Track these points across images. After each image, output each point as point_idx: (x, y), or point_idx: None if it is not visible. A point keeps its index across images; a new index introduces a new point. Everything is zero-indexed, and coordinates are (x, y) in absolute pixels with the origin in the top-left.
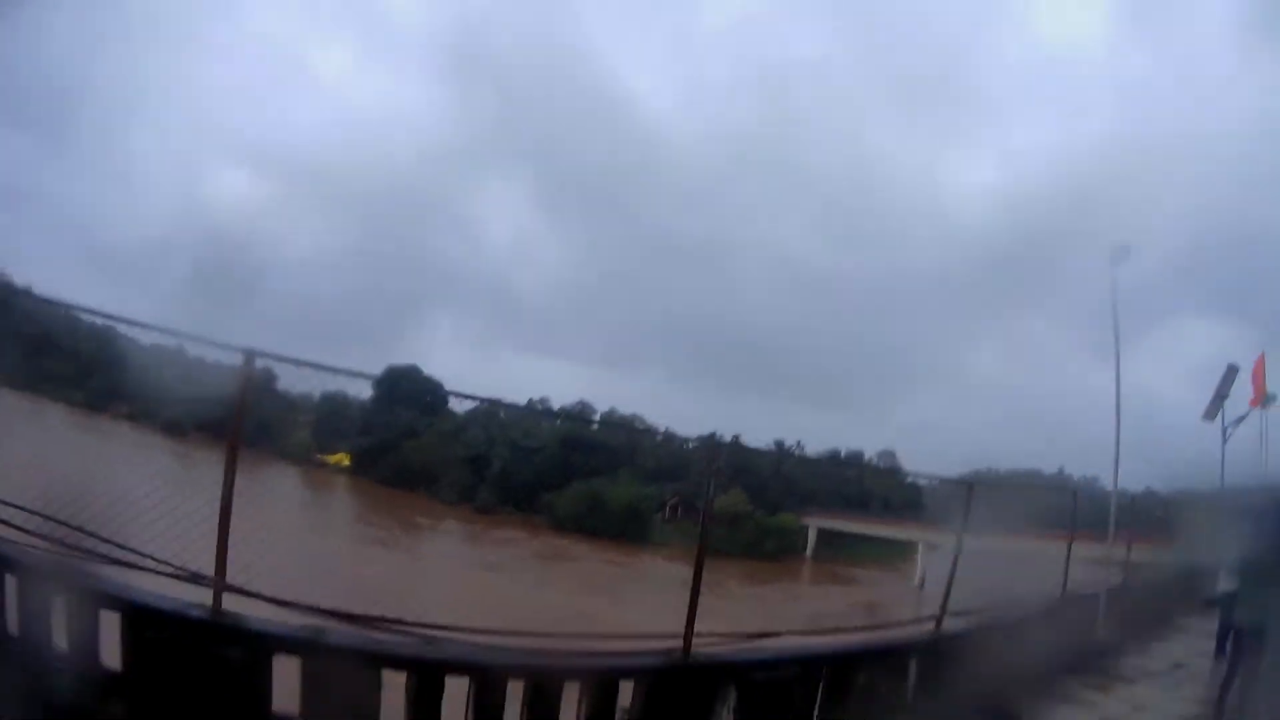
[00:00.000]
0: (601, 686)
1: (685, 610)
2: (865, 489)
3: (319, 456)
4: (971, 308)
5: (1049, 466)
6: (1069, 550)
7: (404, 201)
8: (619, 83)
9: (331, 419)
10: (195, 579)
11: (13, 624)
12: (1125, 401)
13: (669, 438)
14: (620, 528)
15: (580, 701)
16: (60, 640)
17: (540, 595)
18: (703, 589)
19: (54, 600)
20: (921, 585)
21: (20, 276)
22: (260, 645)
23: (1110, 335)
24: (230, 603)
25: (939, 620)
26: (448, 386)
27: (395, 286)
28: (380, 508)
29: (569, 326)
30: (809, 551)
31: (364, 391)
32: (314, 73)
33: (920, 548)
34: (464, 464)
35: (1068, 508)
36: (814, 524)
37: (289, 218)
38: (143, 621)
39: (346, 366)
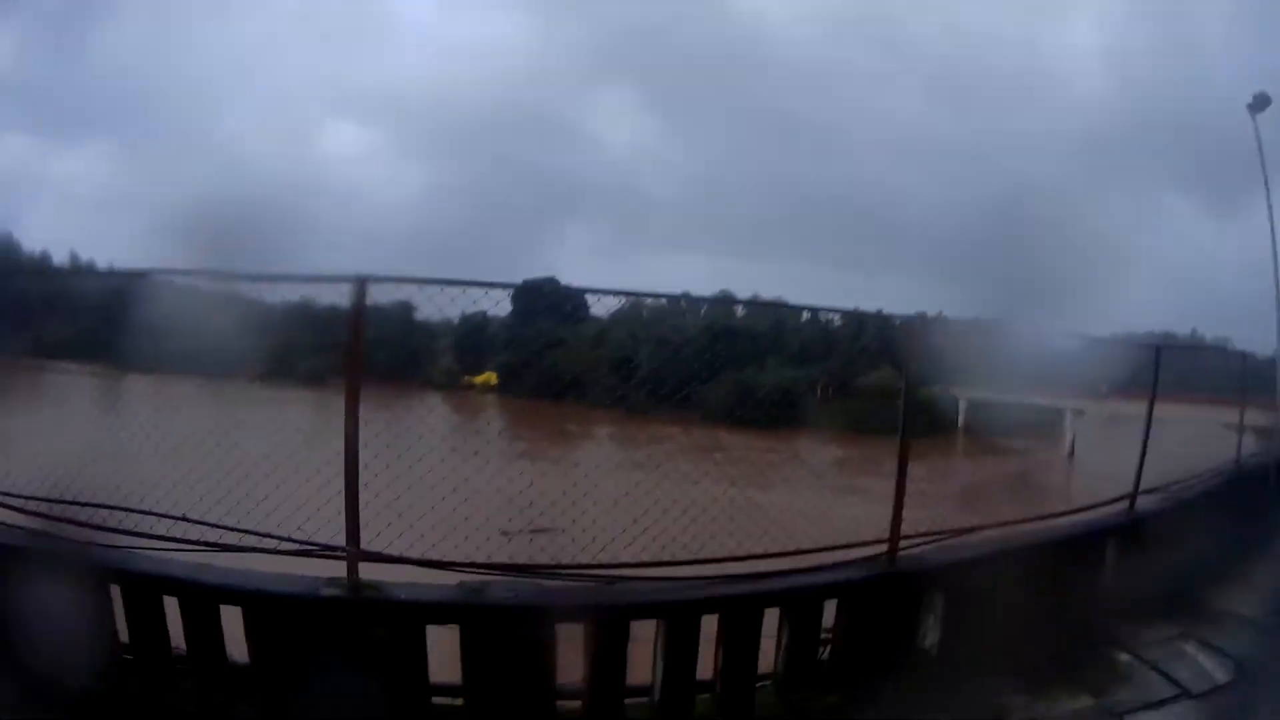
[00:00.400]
0: (803, 608)
1: (890, 509)
2: (1012, 356)
3: (466, 379)
4: (1091, 171)
5: (1181, 328)
6: (1241, 417)
7: (517, 128)
8: None
9: (474, 340)
10: (327, 551)
11: (121, 630)
12: (1249, 261)
13: (814, 317)
14: (774, 414)
15: (781, 629)
16: (179, 642)
17: (707, 494)
18: (863, 465)
19: (167, 602)
20: (1071, 454)
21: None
22: (408, 617)
23: (1234, 191)
24: (372, 571)
25: (1133, 500)
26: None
27: (523, 208)
28: (530, 421)
29: (700, 221)
30: (960, 423)
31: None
32: (401, 19)
33: (1068, 415)
34: (611, 367)
35: (1231, 371)
36: (964, 395)
37: (407, 158)
38: (267, 611)
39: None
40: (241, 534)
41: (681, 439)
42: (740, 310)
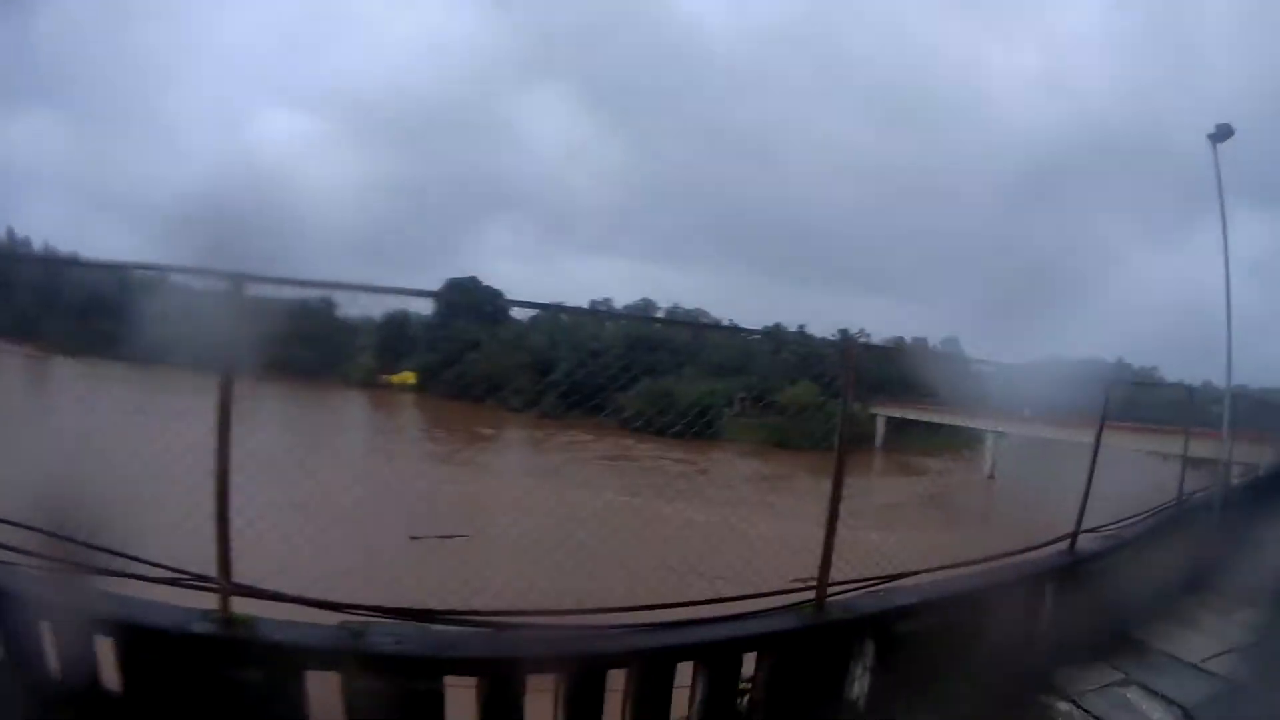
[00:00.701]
0: (721, 659)
1: (818, 552)
2: (930, 376)
3: (384, 378)
4: (1026, 196)
5: (1107, 355)
6: (1185, 447)
7: (450, 123)
8: None
9: (394, 339)
10: (198, 581)
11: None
12: (1184, 292)
13: (733, 330)
14: (691, 425)
15: (695, 680)
16: (54, 663)
17: (616, 503)
18: (777, 483)
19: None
20: (991, 475)
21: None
22: (283, 660)
23: (1170, 222)
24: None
25: (1073, 539)
26: (508, 295)
27: (450, 204)
28: (444, 422)
29: (625, 226)
30: (878, 441)
31: (425, 308)
32: (349, 11)
33: (989, 437)
34: (529, 371)
35: (1172, 402)
36: (882, 413)
37: (340, 150)
38: (139, 643)
39: (407, 286)
40: (110, 555)
41: (594, 446)
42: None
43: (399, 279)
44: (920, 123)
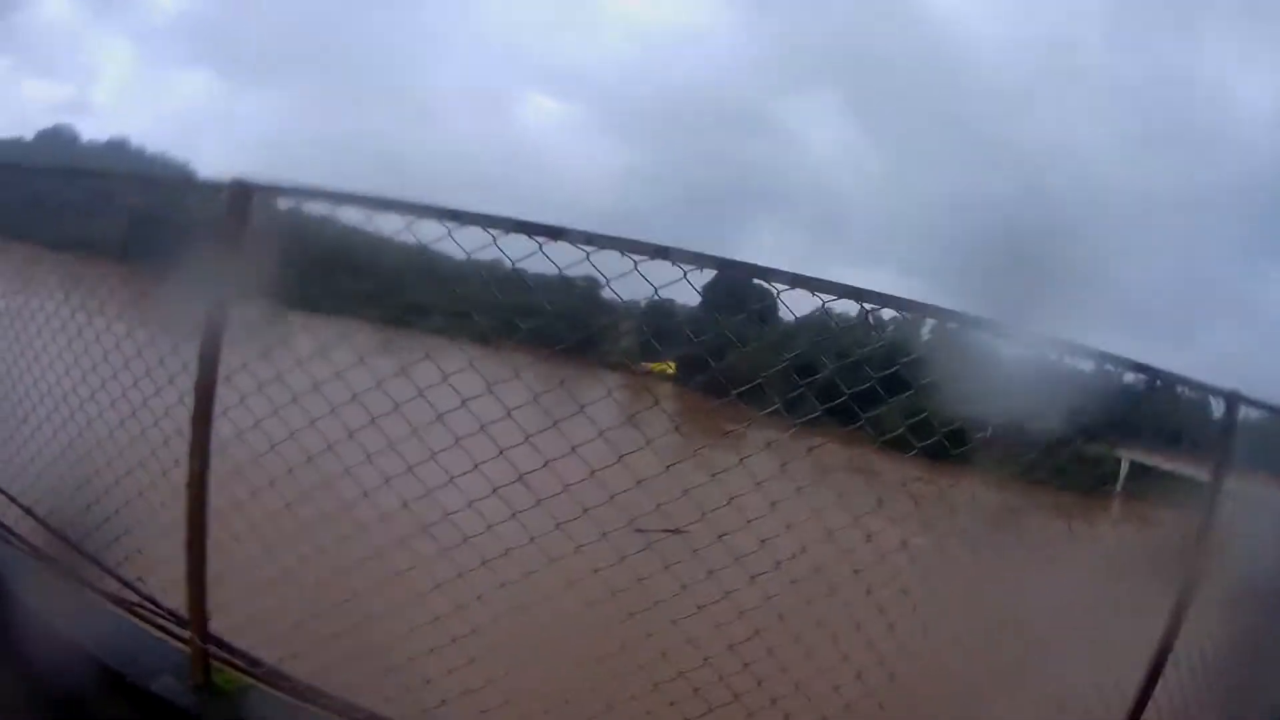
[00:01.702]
0: None
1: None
2: (1179, 422)
3: (644, 365)
4: None
5: None
6: None
7: (717, 119)
8: None
9: (658, 326)
10: (161, 617)
11: None
12: None
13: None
14: (940, 446)
15: None
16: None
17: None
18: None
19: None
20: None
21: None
22: None
23: None
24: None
25: None
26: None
27: (715, 201)
28: (696, 415)
29: (894, 238)
30: (1119, 486)
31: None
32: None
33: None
34: (789, 374)
35: None
36: (1127, 456)
37: (605, 137)
38: (95, 682)
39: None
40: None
41: (841, 454)
42: (926, 334)
43: (663, 273)
44: (1180, 152)
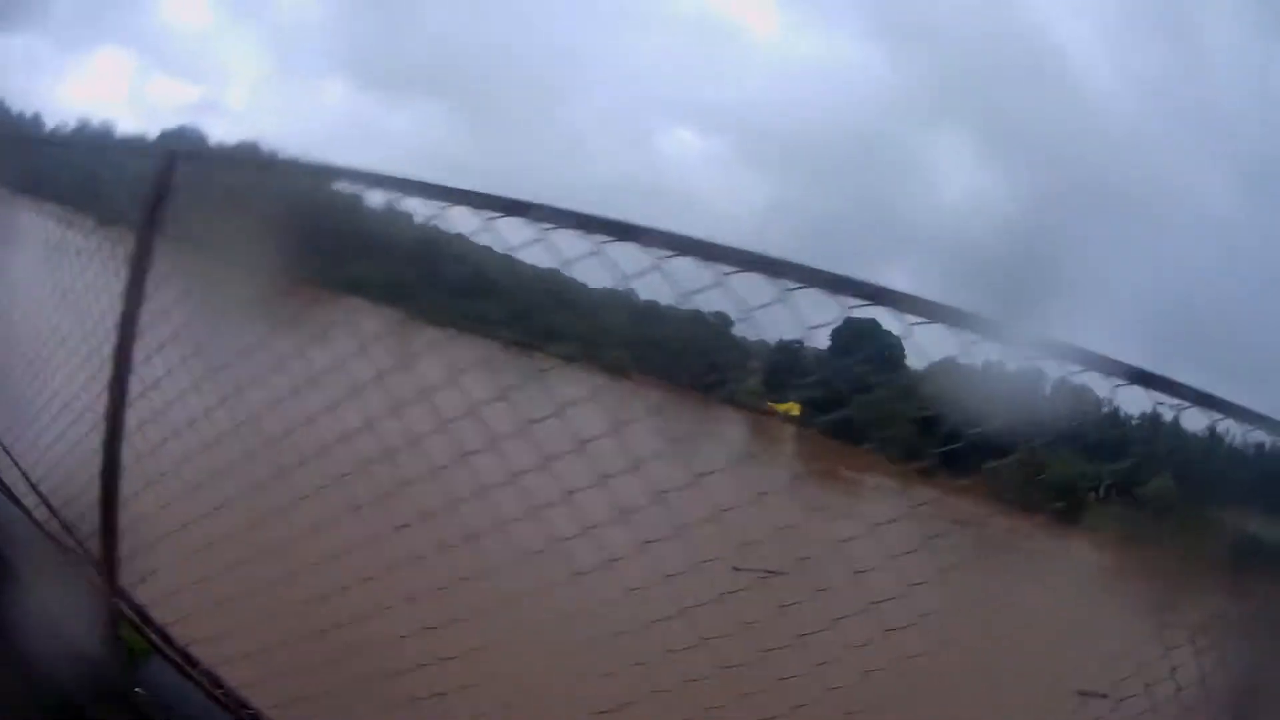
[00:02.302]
0: None
1: None
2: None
3: (769, 404)
4: None
5: None
6: None
7: (857, 156)
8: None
9: (785, 367)
10: (73, 550)
11: None
12: None
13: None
14: (1053, 503)
15: None
16: None
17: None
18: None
19: None
20: None
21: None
22: None
23: None
24: None
25: None
26: (907, 343)
27: (849, 239)
28: (817, 457)
29: (1021, 285)
30: (1228, 557)
31: (821, 342)
32: (749, 36)
33: None
34: (914, 423)
35: None
36: (1235, 523)
37: (748, 171)
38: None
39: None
40: None
41: (953, 507)
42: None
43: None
44: None
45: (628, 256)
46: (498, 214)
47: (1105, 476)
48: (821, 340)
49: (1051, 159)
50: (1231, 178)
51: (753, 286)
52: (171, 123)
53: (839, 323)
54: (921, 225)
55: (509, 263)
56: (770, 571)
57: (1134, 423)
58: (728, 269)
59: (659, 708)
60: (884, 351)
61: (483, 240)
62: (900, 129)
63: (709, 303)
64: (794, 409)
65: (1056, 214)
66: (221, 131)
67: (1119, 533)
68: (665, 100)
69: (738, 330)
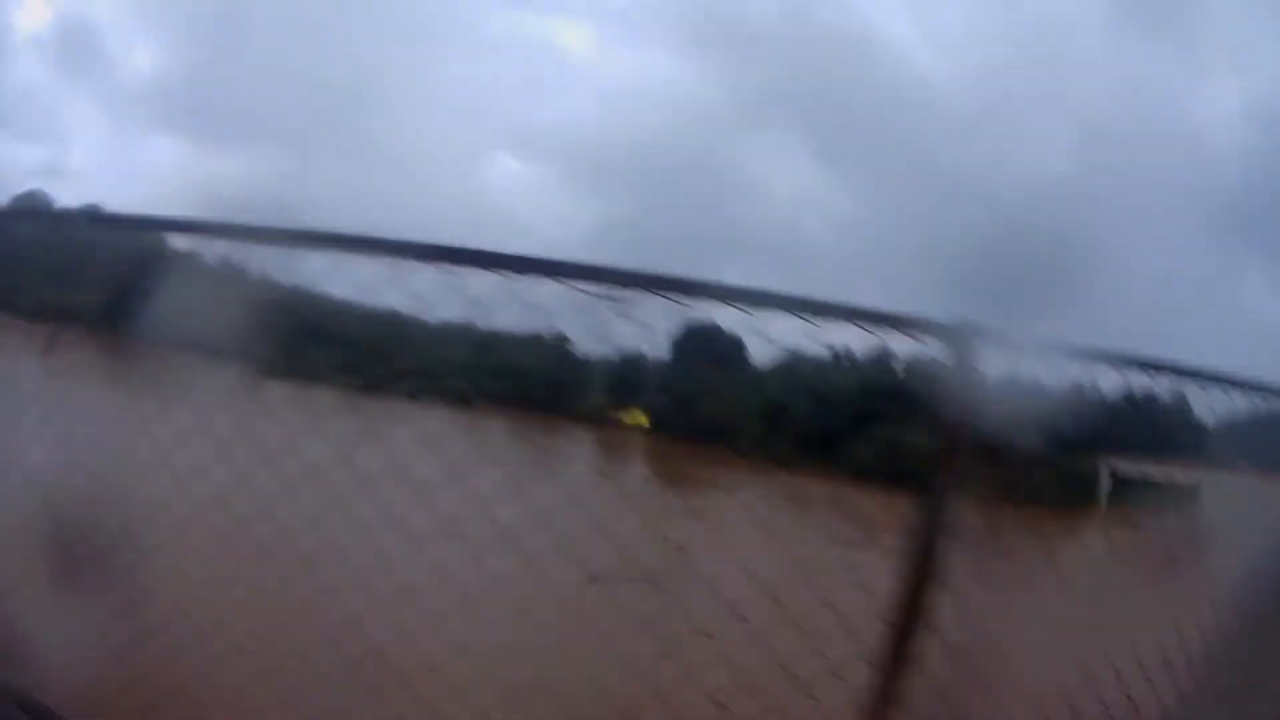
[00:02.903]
0: None
1: None
2: (1161, 427)
3: (615, 415)
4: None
5: None
6: None
7: (678, 169)
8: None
9: (628, 378)
10: None
11: None
12: None
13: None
14: (920, 478)
15: None
16: None
17: None
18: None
19: None
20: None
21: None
22: None
23: None
24: None
25: None
26: (751, 343)
27: (680, 248)
28: (663, 462)
29: (858, 278)
30: (1102, 500)
31: (662, 350)
32: (565, 57)
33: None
34: (762, 416)
35: None
36: (1106, 467)
37: (572, 195)
38: None
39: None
40: None
41: (816, 491)
42: (900, 367)
43: (630, 326)
44: (1139, 165)
45: (467, 285)
46: (339, 250)
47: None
48: (663, 349)
49: (876, 150)
50: (1062, 146)
51: (589, 305)
52: (18, 187)
53: (679, 330)
54: (756, 228)
55: (347, 307)
56: (632, 579)
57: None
58: (563, 282)
59: None
60: (725, 351)
61: (320, 286)
62: (725, 138)
63: (548, 324)
64: (641, 419)
65: (892, 201)
66: (68, 195)
67: (987, 494)
68: (487, 128)
69: (578, 348)
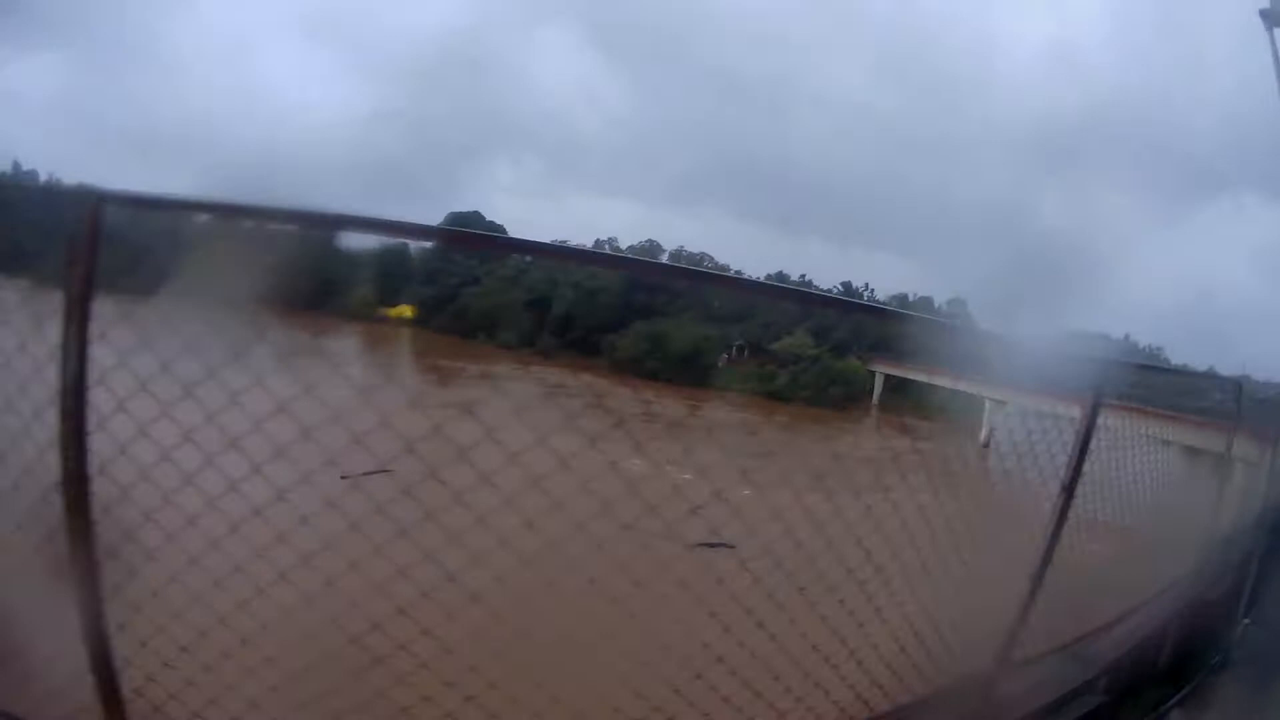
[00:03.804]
0: None
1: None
2: (933, 337)
3: (382, 311)
4: (1035, 162)
5: (1116, 332)
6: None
7: (454, 59)
8: None
9: (393, 272)
10: None
11: None
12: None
13: (737, 279)
14: (681, 370)
15: None
16: None
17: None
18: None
19: None
20: (986, 444)
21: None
22: None
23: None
24: None
25: None
26: (511, 232)
27: (454, 139)
28: (433, 357)
29: (633, 169)
30: (875, 400)
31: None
32: None
33: (987, 405)
34: (526, 308)
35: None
36: (881, 371)
37: (346, 83)
38: None
39: (409, 220)
40: None
41: (576, 383)
42: (664, 260)
43: (401, 212)
44: (932, 85)
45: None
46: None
47: (734, 339)
48: (427, 240)
49: (657, 49)
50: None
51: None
52: None
53: (443, 219)
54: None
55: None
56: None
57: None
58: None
59: None
60: (487, 242)
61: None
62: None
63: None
64: (407, 312)
65: (671, 100)
66: None
67: (748, 389)
68: (271, 15)
69: (343, 242)
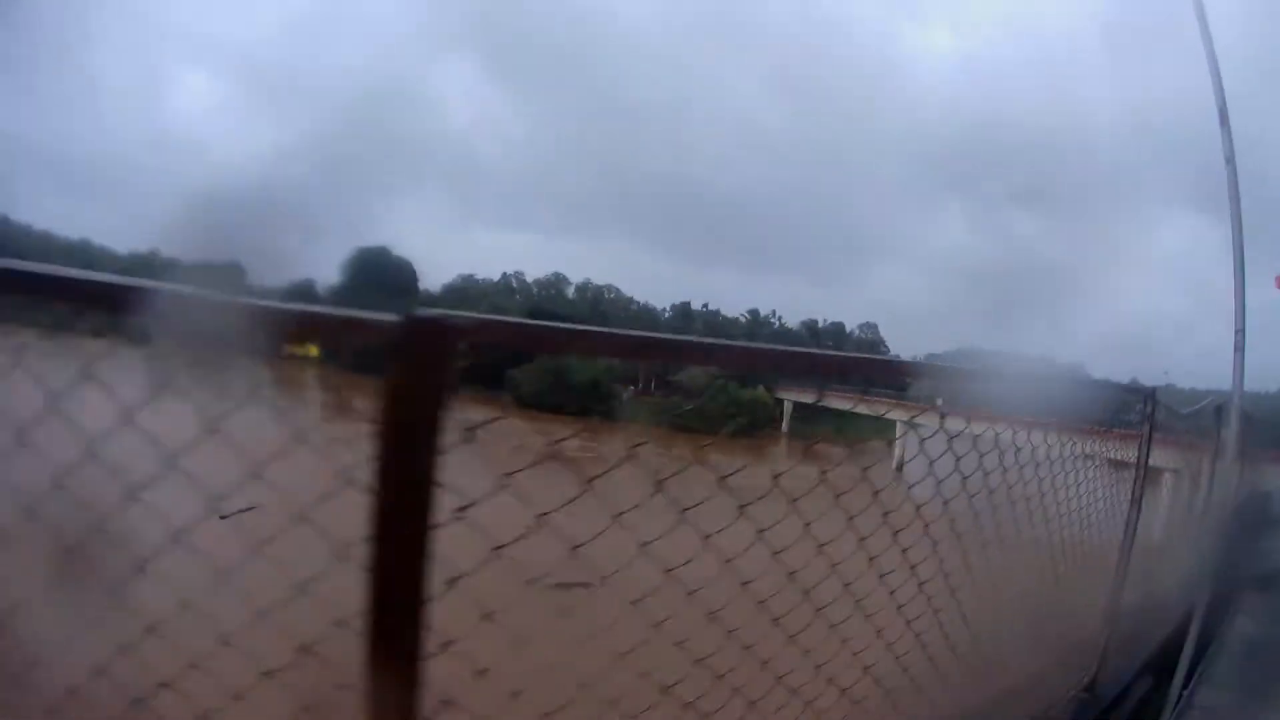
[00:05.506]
0: None
1: None
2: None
3: (286, 349)
4: (940, 180)
5: (1030, 350)
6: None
7: (365, 93)
8: None
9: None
10: None
11: None
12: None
13: (643, 308)
14: (585, 403)
15: None
16: None
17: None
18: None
19: None
20: (899, 468)
21: None
22: None
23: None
24: None
25: None
26: (419, 266)
27: (360, 175)
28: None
29: (537, 201)
30: (785, 427)
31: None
32: None
33: (898, 428)
34: None
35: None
36: (789, 398)
37: (247, 116)
38: None
39: (314, 256)
40: None
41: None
42: (570, 293)
43: (308, 250)
44: (833, 101)
45: None
46: None
47: (641, 373)
48: (335, 276)
49: (558, 80)
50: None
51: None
52: None
53: (351, 256)
54: (433, 155)
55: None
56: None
57: (667, 315)
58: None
59: None
60: (395, 276)
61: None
62: (409, 63)
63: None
64: (313, 350)
65: (571, 130)
66: None
67: (653, 420)
68: (176, 45)
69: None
